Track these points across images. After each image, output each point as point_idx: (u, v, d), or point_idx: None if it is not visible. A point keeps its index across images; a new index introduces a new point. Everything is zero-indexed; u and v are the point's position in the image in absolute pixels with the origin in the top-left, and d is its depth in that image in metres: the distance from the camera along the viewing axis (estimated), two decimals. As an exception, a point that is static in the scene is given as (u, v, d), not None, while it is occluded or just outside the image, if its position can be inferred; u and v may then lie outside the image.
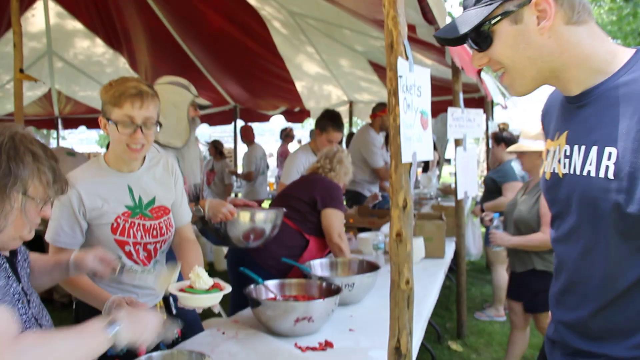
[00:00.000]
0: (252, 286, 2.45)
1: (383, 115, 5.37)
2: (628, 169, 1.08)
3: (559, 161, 1.28)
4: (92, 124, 9.10)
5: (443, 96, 5.61)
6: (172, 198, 2.23)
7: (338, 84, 6.76)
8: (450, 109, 3.73)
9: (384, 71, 5.63)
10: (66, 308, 5.04)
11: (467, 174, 3.94)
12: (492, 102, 5.57)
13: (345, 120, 7.16)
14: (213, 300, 1.78)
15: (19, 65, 4.27)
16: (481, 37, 1.24)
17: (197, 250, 2.25)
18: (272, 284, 2.54)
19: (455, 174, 4.07)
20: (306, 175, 3.62)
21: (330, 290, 2.47)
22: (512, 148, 3.48)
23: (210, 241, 3.02)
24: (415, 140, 1.69)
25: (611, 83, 1.16)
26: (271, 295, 2.47)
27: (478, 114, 4.09)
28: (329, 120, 4.41)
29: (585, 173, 1.18)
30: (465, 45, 1.33)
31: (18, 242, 1.46)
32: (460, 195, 3.91)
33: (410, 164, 1.66)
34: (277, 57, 5.85)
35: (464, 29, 1.23)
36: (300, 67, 6.21)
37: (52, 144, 18.30)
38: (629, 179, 1.08)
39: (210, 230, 2.74)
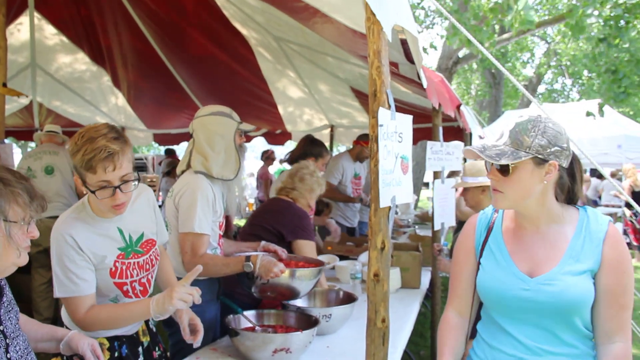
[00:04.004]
0: (231, 316, 2.49)
1: (364, 146, 5.53)
2: None
3: None
4: (72, 136, 9.03)
5: (423, 124, 5.72)
6: (155, 228, 2.28)
7: (320, 108, 6.84)
8: (429, 143, 3.82)
9: (365, 97, 5.73)
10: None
11: (444, 205, 4.03)
12: (471, 133, 5.70)
13: (327, 144, 7.26)
14: None
15: (3, 79, 4.28)
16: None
17: (169, 259, 2.50)
18: (250, 313, 2.58)
19: (432, 203, 4.16)
20: (272, 200, 3.55)
21: (308, 321, 2.52)
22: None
23: (248, 291, 2.84)
24: (394, 185, 1.76)
25: None
26: (250, 325, 2.52)
27: (457, 147, 4.19)
28: (321, 146, 4.53)
29: None
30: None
31: (11, 269, 1.47)
32: (437, 227, 3.99)
33: (389, 208, 1.74)
34: (261, 80, 5.91)
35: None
36: (283, 91, 6.27)
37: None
38: None
39: (255, 285, 2.67)
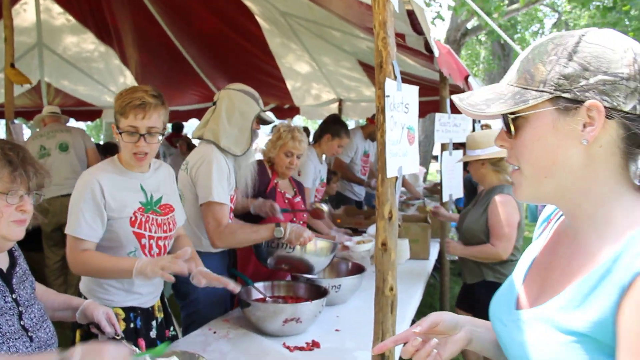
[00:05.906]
0: (242, 287, 2.53)
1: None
2: None
3: None
4: (81, 116, 9.06)
5: (431, 97, 5.70)
6: (174, 201, 2.35)
7: (328, 82, 6.82)
8: (437, 115, 3.82)
9: (373, 71, 5.71)
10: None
11: (452, 177, 4.04)
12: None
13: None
14: None
15: (10, 59, 4.31)
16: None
17: (189, 241, 2.49)
18: (261, 285, 2.63)
19: (440, 175, 4.18)
20: None
21: (317, 292, 2.56)
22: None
23: (262, 262, 2.87)
24: (400, 155, 1.78)
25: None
26: (260, 296, 2.56)
27: (464, 119, 4.18)
28: (342, 127, 4.49)
29: None
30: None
31: (5, 243, 1.50)
32: (445, 198, 4.01)
33: (396, 178, 1.76)
34: (269, 55, 5.90)
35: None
36: (291, 66, 6.25)
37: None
38: None
39: (272, 256, 2.72)
